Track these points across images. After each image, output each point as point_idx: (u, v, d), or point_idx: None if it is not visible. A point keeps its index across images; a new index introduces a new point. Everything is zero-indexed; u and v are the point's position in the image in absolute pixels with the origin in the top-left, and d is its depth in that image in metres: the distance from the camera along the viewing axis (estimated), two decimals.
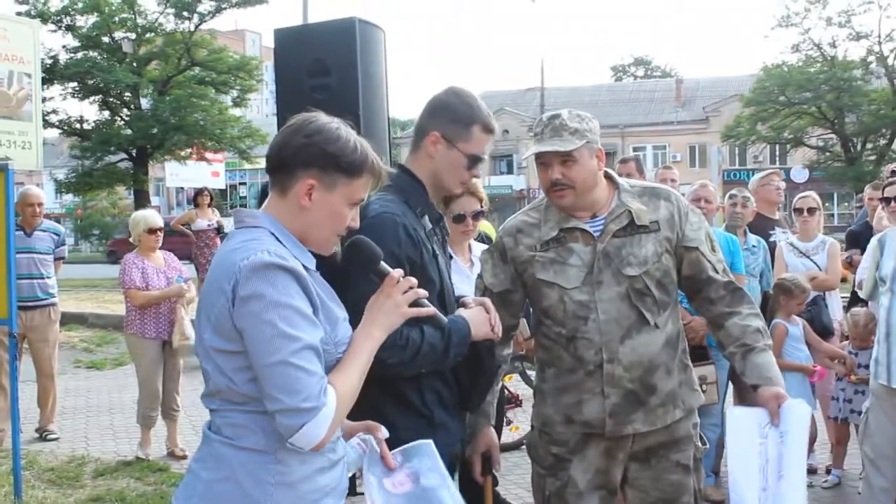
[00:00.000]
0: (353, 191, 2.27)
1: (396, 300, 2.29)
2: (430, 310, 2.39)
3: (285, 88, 5.15)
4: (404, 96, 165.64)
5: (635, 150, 61.89)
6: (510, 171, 64.04)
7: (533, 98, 56.15)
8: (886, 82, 41.87)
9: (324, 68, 4.93)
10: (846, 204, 48.93)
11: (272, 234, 2.19)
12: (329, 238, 2.30)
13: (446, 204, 4.39)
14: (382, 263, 2.35)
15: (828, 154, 44.30)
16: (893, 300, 4.59)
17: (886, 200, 5.69)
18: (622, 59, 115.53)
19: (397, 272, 2.32)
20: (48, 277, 7.62)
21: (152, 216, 7.28)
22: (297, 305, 2.08)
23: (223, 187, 51.82)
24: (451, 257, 4.31)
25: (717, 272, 3.17)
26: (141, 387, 7.07)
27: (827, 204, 54.51)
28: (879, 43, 41.89)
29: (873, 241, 4.98)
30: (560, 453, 3.17)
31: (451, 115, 2.89)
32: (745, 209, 6.16)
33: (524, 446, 3.66)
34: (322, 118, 2.28)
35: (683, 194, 6.13)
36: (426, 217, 2.90)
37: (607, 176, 3.18)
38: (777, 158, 55.63)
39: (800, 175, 52.84)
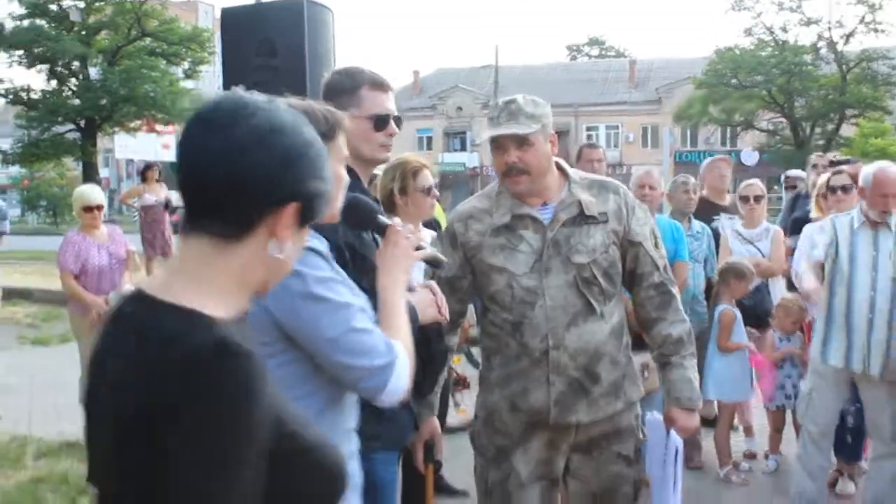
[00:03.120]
0: (340, 149, 2.24)
1: (404, 246, 2.33)
2: (431, 251, 2.49)
3: (232, 68, 5.12)
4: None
5: (588, 129, 62.27)
6: (464, 149, 64.00)
7: (487, 76, 56.12)
8: (835, 68, 42.43)
9: (271, 48, 4.91)
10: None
11: None
12: (337, 201, 2.26)
13: (414, 178, 4.39)
14: (380, 216, 2.41)
15: (777, 137, 44.89)
16: (852, 289, 4.69)
17: (832, 189, 5.77)
18: (577, 39, 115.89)
19: (396, 220, 2.39)
20: None
21: (89, 193, 7.11)
22: (335, 276, 2.11)
23: (174, 160, 51.32)
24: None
25: (657, 269, 3.23)
26: (83, 365, 6.97)
27: (775, 187, 55.25)
28: (829, 29, 42.50)
29: (826, 220, 4.98)
30: (503, 444, 3.20)
31: (336, 90, 2.88)
32: (695, 195, 6.24)
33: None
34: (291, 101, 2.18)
35: (631, 175, 6.24)
36: None
37: (558, 166, 3.21)
38: (728, 141, 56.20)
39: (749, 158, 53.39)
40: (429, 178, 4.45)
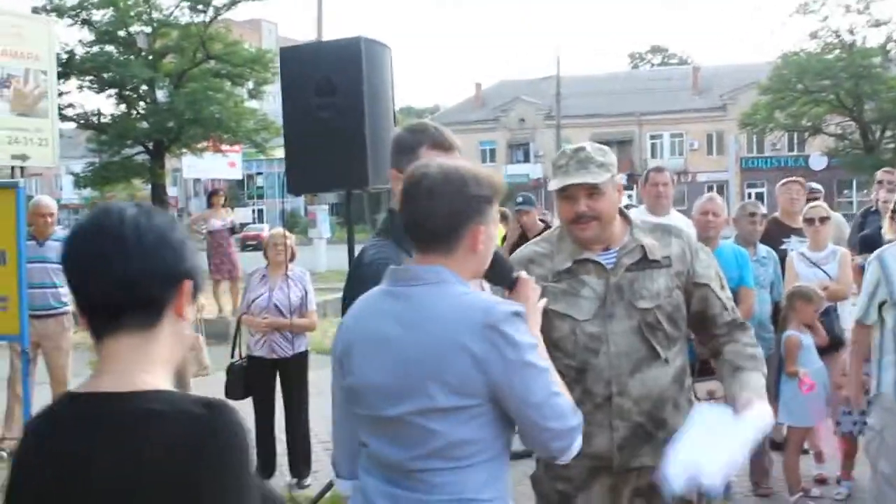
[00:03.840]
0: (496, 212, 2.37)
1: (534, 300, 2.45)
2: (543, 300, 2.57)
3: (292, 107, 5.18)
4: (423, 84, 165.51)
5: (652, 137, 61.81)
6: (526, 160, 63.95)
7: (549, 87, 55.94)
8: None
9: (330, 87, 4.97)
10: (865, 191, 48.65)
11: (461, 284, 2.26)
12: (488, 258, 2.39)
13: None
14: (513, 269, 2.52)
15: (846, 141, 43.98)
16: None
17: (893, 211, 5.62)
18: (639, 47, 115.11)
19: (523, 273, 2.51)
20: (61, 286, 7.65)
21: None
22: (534, 340, 2.25)
23: (240, 178, 52.09)
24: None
25: (726, 309, 3.20)
26: None
27: (846, 191, 54.35)
28: None
29: (872, 258, 4.83)
30: (565, 489, 3.19)
31: (399, 148, 2.91)
32: (761, 224, 6.18)
33: None
34: (448, 165, 2.32)
35: (696, 182, 6.18)
36: None
37: (620, 212, 3.21)
38: (795, 146, 55.41)
39: (818, 163, 52.62)
40: None
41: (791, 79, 41.90)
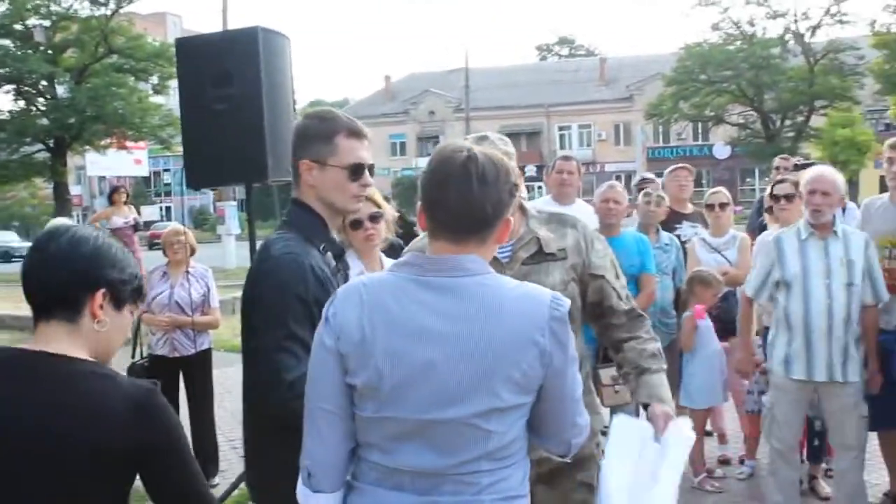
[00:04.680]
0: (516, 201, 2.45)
1: None
2: None
3: (190, 99, 5.07)
4: (334, 78, 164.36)
5: (560, 129, 62.44)
6: None
7: (458, 79, 56.16)
8: (803, 60, 42.72)
9: (227, 78, 4.87)
10: (766, 179, 49.97)
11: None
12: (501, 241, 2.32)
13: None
14: None
15: (748, 131, 45.09)
16: (808, 299, 4.76)
17: (776, 198, 5.83)
18: (546, 39, 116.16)
19: None
20: None
21: (65, 222, 7.07)
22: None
23: (146, 175, 51.09)
24: (361, 273, 4.29)
25: (621, 299, 3.20)
26: None
27: (748, 179, 55.70)
28: (796, 21, 42.76)
29: (769, 241, 5.09)
30: None
31: (310, 137, 2.79)
32: (658, 208, 6.23)
33: None
34: (489, 150, 2.20)
35: (604, 174, 6.24)
36: (329, 253, 2.84)
37: None
38: (700, 135, 56.56)
39: (721, 151, 53.82)
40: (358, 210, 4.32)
41: (694, 70, 42.81)
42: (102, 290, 2.05)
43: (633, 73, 59.74)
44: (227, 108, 4.82)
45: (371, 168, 2.87)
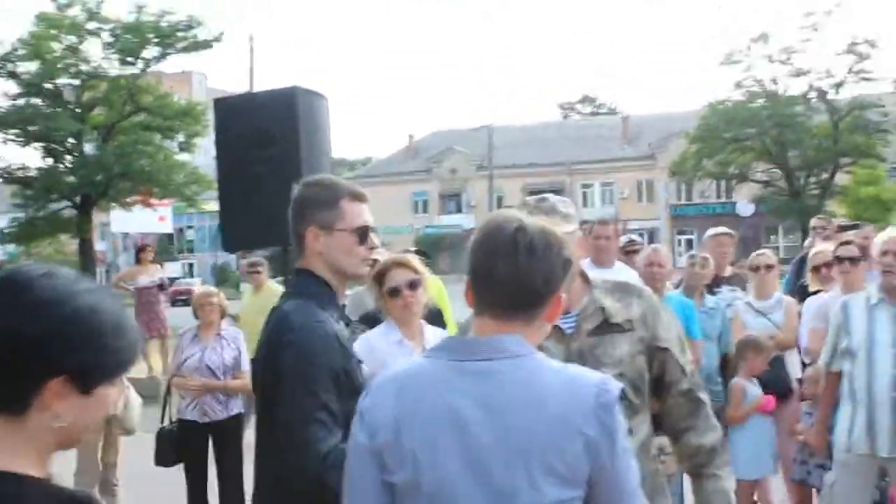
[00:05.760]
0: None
1: None
2: None
3: (226, 160, 5.00)
4: (355, 135, 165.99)
5: (583, 186, 62.53)
6: (459, 210, 64.18)
7: (481, 136, 56.43)
8: (827, 117, 42.68)
9: (266, 139, 4.80)
10: (791, 236, 49.73)
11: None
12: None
13: (378, 283, 4.21)
14: None
15: (773, 188, 44.96)
16: (872, 368, 4.54)
17: (840, 260, 5.66)
18: (569, 97, 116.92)
19: None
20: None
21: None
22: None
23: (170, 231, 51.43)
24: (400, 341, 4.16)
25: (684, 374, 3.03)
26: (79, 462, 6.76)
27: (773, 237, 55.43)
28: (820, 79, 42.76)
29: (833, 305, 4.91)
30: None
31: (315, 204, 2.75)
32: (704, 270, 6.09)
33: None
34: (537, 221, 2.05)
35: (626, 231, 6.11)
36: (342, 322, 2.78)
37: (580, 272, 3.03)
38: (723, 193, 56.42)
39: (746, 209, 53.66)
40: (394, 278, 4.18)
41: (718, 127, 42.80)
42: (63, 378, 1.53)
43: (655, 130, 59.92)
44: (266, 170, 4.74)
45: (374, 231, 2.86)
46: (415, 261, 4.26)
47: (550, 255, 1.99)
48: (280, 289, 9.34)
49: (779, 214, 43.77)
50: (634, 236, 8.26)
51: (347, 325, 2.85)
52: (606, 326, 2.91)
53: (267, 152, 4.77)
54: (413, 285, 4.18)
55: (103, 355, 1.58)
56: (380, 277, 4.19)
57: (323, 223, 2.73)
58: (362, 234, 2.77)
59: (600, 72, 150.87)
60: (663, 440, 5.03)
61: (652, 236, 59.74)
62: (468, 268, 2.05)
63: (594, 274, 3.09)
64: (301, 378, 2.53)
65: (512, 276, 1.96)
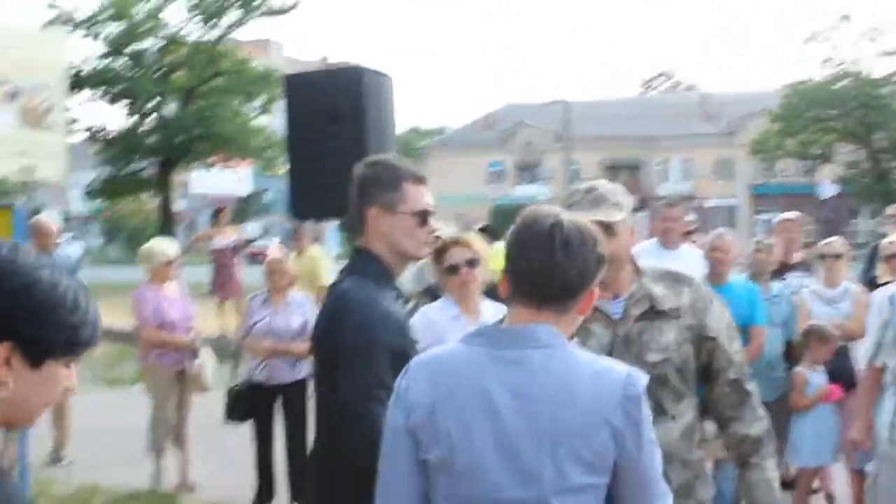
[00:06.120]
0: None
1: None
2: None
3: (297, 133, 5.13)
4: (431, 104, 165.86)
5: (661, 162, 61.80)
6: (535, 182, 63.94)
7: (557, 111, 55.99)
8: None
9: (334, 115, 4.91)
10: (876, 219, 48.59)
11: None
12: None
13: (438, 260, 4.29)
14: None
15: (856, 170, 43.89)
16: None
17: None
18: (649, 73, 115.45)
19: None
20: None
21: (165, 248, 7.21)
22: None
23: (248, 193, 52.17)
24: (457, 317, 4.24)
25: (732, 364, 3.05)
26: (154, 415, 7.03)
27: (853, 221, 54.20)
28: None
29: (883, 298, 4.76)
30: None
31: (378, 185, 2.81)
32: (769, 256, 6.03)
33: None
34: (576, 218, 2.12)
35: (703, 209, 6.08)
36: (399, 300, 2.85)
37: (630, 258, 3.06)
38: (805, 173, 55.26)
39: (827, 190, 52.51)
40: (453, 256, 4.29)
41: (800, 107, 41.88)
42: (8, 344, 1.53)
43: (735, 109, 58.86)
44: (334, 145, 4.85)
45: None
46: (474, 239, 4.32)
47: (585, 250, 2.06)
48: (321, 254, 9.53)
49: (862, 197, 42.75)
50: (691, 217, 8.17)
51: (405, 303, 2.91)
52: (654, 313, 2.95)
53: (334, 128, 4.87)
54: (471, 263, 4.26)
55: (57, 330, 1.55)
56: (439, 255, 4.27)
57: (386, 204, 2.79)
58: (423, 216, 2.83)
59: (680, 48, 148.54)
60: (705, 427, 5.06)
61: (730, 215, 58.98)
62: (504, 258, 2.12)
63: (647, 247, 3.12)
64: (360, 355, 2.62)
65: (546, 269, 2.03)
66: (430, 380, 2.08)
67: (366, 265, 2.82)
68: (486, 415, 2.00)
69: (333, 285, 2.87)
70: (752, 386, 3.11)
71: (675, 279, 3.06)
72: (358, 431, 2.58)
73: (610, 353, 2.88)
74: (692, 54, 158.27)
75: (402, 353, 2.63)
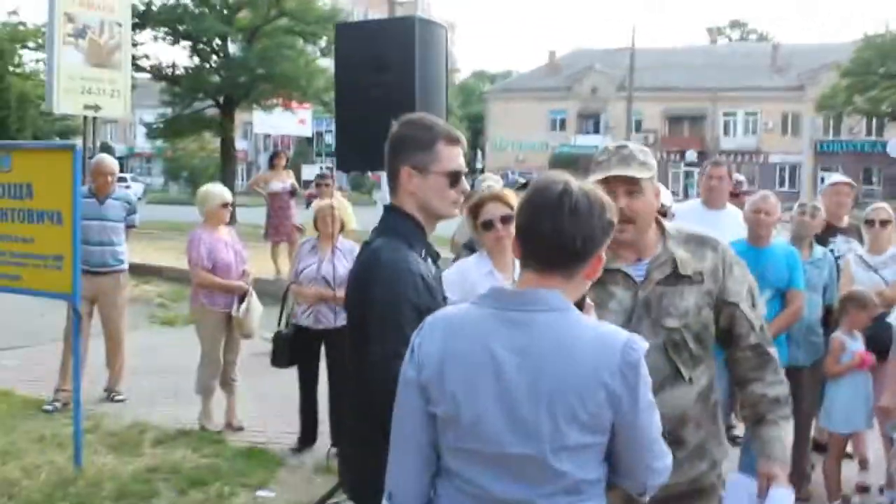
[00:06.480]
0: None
1: None
2: None
3: (346, 82, 5.20)
4: (498, 49, 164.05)
5: (726, 115, 60.76)
6: (597, 131, 63.38)
7: (623, 57, 55.21)
8: None
9: (382, 65, 4.94)
10: None
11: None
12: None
13: (474, 216, 4.36)
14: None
15: None
16: None
17: None
18: (718, 21, 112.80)
19: (589, 301, 2.38)
20: (118, 245, 7.82)
21: (220, 191, 7.37)
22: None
23: (309, 135, 52.41)
24: (490, 272, 4.32)
25: (753, 330, 3.10)
26: (203, 356, 7.22)
27: None
28: None
29: None
30: None
31: (411, 145, 2.83)
32: (813, 220, 5.98)
33: None
34: (585, 185, 2.20)
35: (767, 164, 6.06)
36: (429, 259, 2.90)
37: (655, 219, 3.10)
38: (874, 131, 53.99)
39: None
40: (490, 211, 4.34)
41: (873, 62, 40.80)
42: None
43: (806, 61, 57.49)
44: (381, 94, 4.88)
45: (465, 176, 2.94)
46: (510, 195, 4.38)
47: (592, 217, 2.14)
48: (347, 203, 9.64)
49: None
50: (741, 177, 8.08)
51: (435, 261, 2.96)
52: (676, 277, 3.00)
53: (383, 78, 4.89)
54: (506, 220, 4.30)
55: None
56: (475, 210, 4.34)
57: (418, 164, 2.82)
58: (455, 177, 2.86)
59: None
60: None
61: (794, 171, 57.93)
62: (516, 222, 2.22)
63: (670, 224, 3.16)
64: (388, 314, 2.68)
65: (554, 234, 2.12)
66: (441, 338, 2.19)
67: (397, 224, 2.88)
68: (489, 373, 2.10)
69: (366, 244, 2.94)
70: (773, 350, 3.16)
71: (699, 242, 3.09)
72: (385, 389, 2.60)
73: (630, 316, 2.96)
74: (766, 3, 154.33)
75: (430, 312, 2.64)
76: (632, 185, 2.94)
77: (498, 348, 2.10)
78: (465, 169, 2.92)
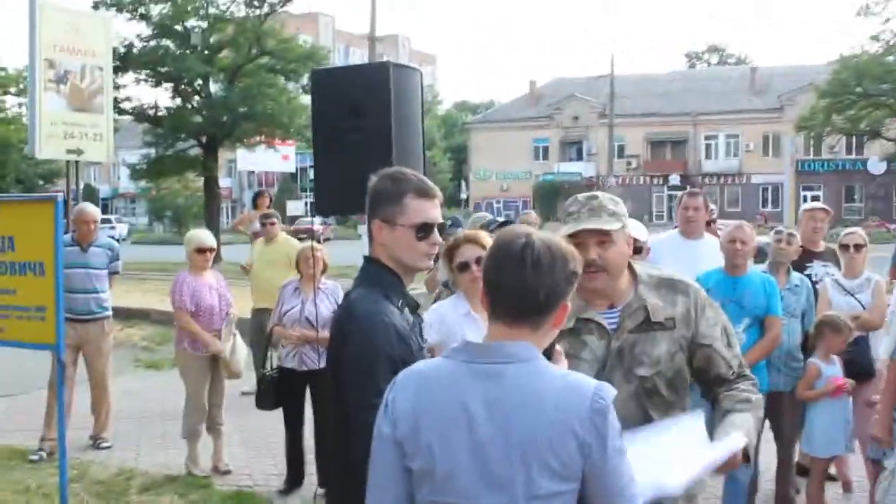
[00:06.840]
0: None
1: None
2: None
3: (322, 128, 5.24)
4: (479, 79, 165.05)
5: (707, 138, 61.16)
6: (579, 158, 63.72)
7: (604, 85, 55.61)
8: None
9: (358, 110, 5.00)
10: None
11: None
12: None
13: (449, 257, 4.41)
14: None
15: None
16: None
17: None
18: (696, 47, 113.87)
19: (559, 347, 2.43)
20: (102, 292, 7.82)
21: (203, 237, 7.40)
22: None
23: (293, 171, 52.53)
24: (467, 314, 4.36)
25: (731, 367, 3.12)
26: (188, 400, 7.22)
27: None
28: None
29: None
30: None
31: (381, 198, 2.89)
32: (789, 246, 6.05)
33: None
34: (547, 237, 2.25)
35: (719, 228, 6.12)
36: (406, 310, 2.93)
37: (628, 265, 3.12)
38: (854, 149, 54.41)
39: (877, 167, 51.72)
40: (464, 253, 4.37)
41: (850, 82, 41.19)
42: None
43: (784, 83, 58.05)
44: (358, 138, 4.95)
45: (441, 226, 2.97)
46: (485, 237, 4.42)
47: (555, 270, 2.19)
48: (292, 241, 9.67)
49: None
50: (712, 205, 8.08)
51: (414, 310, 2.99)
52: (647, 324, 3.01)
53: (359, 123, 4.96)
54: (481, 261, 4.33)
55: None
56: (451, 252, 4.40)
57: (387, 216, 2.88)
58: (422, 229, 2.89)
59: (729, 22, 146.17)
60: None
61: (776, 191, 58.25)
62: (482, 277, 2.28)
63: (641, 267, 3.20)
64: (361, 366, 2.73)
65: (518, 288, 2.18)
66: (415, 393, 2.23)
67: (374, 275, 2.94)
68: (462, 426, 2.14)
69: (346, 295, 3.00)
70: (754, 378, 3.18)
71: (670, 287, 3.10)
72: (358, 441, 2.63)
73: (603, 365, 2.98)
74: (743, 27, 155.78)
75: (404, 363, 2.70)
76: (603, 237, 2.97)
77: (470, 401, 2.15)
78: (436, 220, 2.94)
